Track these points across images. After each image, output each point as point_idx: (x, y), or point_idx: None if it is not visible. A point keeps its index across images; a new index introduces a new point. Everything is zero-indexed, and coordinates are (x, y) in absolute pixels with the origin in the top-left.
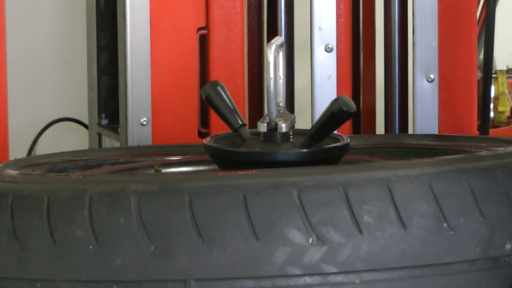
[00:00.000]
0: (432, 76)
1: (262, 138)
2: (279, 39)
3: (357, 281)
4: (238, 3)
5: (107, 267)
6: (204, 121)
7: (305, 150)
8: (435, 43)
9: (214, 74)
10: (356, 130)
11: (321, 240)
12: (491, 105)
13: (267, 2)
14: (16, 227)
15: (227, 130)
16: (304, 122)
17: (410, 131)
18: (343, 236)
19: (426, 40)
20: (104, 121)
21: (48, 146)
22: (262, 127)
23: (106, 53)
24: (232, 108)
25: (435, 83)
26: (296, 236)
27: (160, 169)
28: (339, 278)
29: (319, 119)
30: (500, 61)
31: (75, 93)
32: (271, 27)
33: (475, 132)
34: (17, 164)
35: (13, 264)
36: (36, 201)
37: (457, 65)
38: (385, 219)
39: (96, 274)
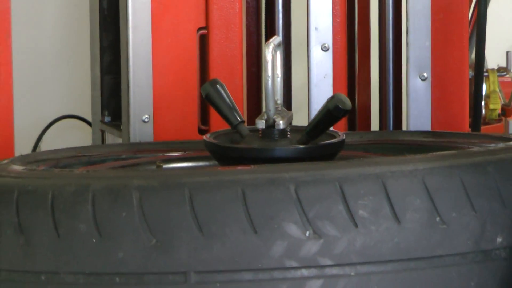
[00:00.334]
0: (425, 74)
1: (260, 135)
2: (277, 39)
3: (352, 274)
4: (237, 4)
5: (110, 260)
6: (204, 118)
7: (302, 147)
8: (428, 43)
9: (214, 72)
10: (351, 127)
11: (317, 233)
12: (483, 103)
13: (265, 3)
14: (22, 221)
15: (226, 127)
16: (301, 119)
17: (404, 128)
18: (339, 230)
19: (420, 40)
20: (107, 119)
21: (52, 142)
22: (260, 124)
23: (109, 53)
24: (231, 105)
25: (428, 82)
26: (293, 230)
27: (161, 165)
28: (335, 271)
29: (315, 116)
30: (491, 60)
31: (78, 92)
32: (269, 27)
33: (467, 129)
34: (23, 160)
35: (18, 257)
36: (41, 196)
37: (449, 64)
38: (379, 213)
39: (99, 267)
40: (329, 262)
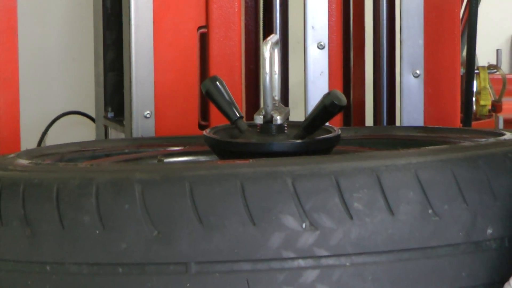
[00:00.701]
0: (418, 72)
1: (258, 130)
2: (275, 37)
3: (347, 264)
4: (236, 3)
5: (113, 250)
6: (204, 114)
7: (299, 141)
8: (421, 41)
9: (214, 70)
10: (346, 122)
11: (314, 225)
12: (474, 99)
13: (263, 3)
14: (28, 214)
15: (225, 122)
16: (297, 115)
17: (397, 124)
18: (335, 222)
19: (413, 38)
20: (110, 114)
21: (57, 137)
22: (259, 119)
23: (112, 50)
24: (230, 101)
25: (421, 79)
26: (291, 221)
27: (162, 159)
28: (330, 261)
29: (312, 112)
30: (482, 58)
31: (82, 88)
32: (267, 26)
33: (458, 124)
34: (28, 154)
35: (24, 248)
36: (46, 189)
37: (441, 62)
38: (374, 206)
39: (103, 257)
40: (325, 253)
